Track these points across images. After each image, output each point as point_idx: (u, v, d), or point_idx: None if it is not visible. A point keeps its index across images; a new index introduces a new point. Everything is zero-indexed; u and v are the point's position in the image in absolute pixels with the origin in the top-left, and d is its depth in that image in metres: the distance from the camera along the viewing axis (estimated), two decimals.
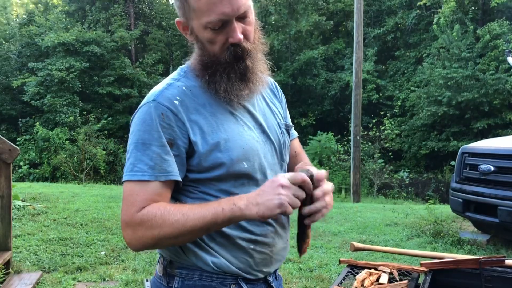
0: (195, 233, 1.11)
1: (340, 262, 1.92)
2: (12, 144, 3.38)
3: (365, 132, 15.09)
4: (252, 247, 1.20)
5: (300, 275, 4.35)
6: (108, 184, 14.29)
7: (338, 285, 1.60)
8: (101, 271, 4.36)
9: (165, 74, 22.08)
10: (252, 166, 1.20)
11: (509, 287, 1.70)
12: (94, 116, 18.19)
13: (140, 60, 22.56)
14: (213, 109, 1.20)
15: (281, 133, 1.33)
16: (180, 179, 1.16)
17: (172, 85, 1.20)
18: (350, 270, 1.81)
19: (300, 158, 1.47)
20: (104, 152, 16.93)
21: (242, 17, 1.15)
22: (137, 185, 1.12)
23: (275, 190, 1.05)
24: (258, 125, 1.26)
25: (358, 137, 11.26)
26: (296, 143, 1.49)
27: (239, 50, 1.17)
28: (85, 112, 18.76)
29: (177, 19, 1.23)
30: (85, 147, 16.45)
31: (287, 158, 1.36)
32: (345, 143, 15.95)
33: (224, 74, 1.18)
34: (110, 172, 17.54)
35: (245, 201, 1.08)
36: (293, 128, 1.45)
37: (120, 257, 4.93)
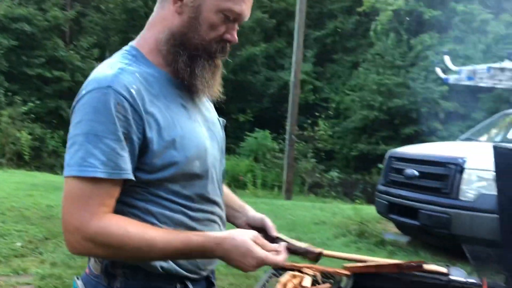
0: (154, 259, 1.09)
1: None
2: None
3: (300, 132, 15.36)
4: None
5: (227, 272, 4.32)
6: (31, 171, 13.51)
7: None
8: (15, 264, 4.09)
9: (101, 59, 21.16)
10: (203, 164, 1.16)
11: None
12: (21, 98, 17.10)
13: (75, 43, 21.49)
14: (168, 101, 1.11)
15: (221, 128, 1.31)
16: (134, 178, 1.07)
17: (125, 70, 1.08)
18: (275, 272, 1.79)
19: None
20: (29, 136, 15.97)
21: (239, 23, 1.17)
22: (88, 184, 1.01)
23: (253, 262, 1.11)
24: (205, 121, 1.22)
25: (293, 136, 11.44)
26: None
27: (227, 48, 1.18)
28: (10, 93, 17.59)
29: None
30: (8, 130, 15.43)
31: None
32: (281, 141, 16.14)
33: (206, 62, 1.14)
34: (35, 158, 16.61)
35: (221, 248, 1.08)
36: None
37: (38, 249, 4.66)
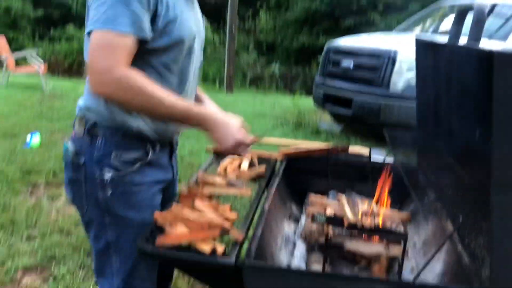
0: (159, 114, 1.26)
1: (207, 150, 2.04)
2: None
3: (241, 24, 15.02)
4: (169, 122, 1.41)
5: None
6: None
7: (204, 171, 1.72)
8: None
9: None
10: (190, 48, 1.37)
11: (351, 170, 1.99)
12: None
13: None
14: None
15: (204, 30, 1.53)
16: (149, 39, 1.26)
17: None
18: (216, 158, 1.94)
19: None
20: None
21: None
22: (116, 37, 1.18)
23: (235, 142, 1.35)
24: (197, 19, 1.44)
25: (234, 28, 11.21)
26: None
27: None
28: None
29: None
30: None
31: None
32: (221, 33, 15.78)
33: None
34: None
35: (213, 123, 1.32)
36: None
37: None
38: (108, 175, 1.32)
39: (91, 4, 1.23)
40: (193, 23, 1.38)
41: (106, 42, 1.19)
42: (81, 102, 1.38)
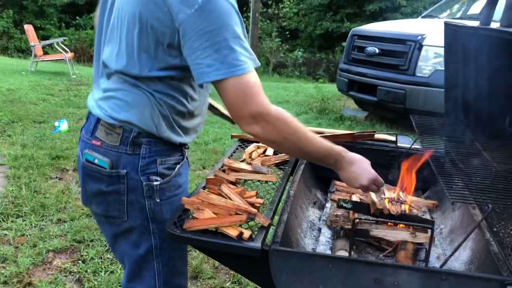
0: (302, 153, 1.29)
1: (232, 137, 2.06)
2: None
3: (265, 10, 14.91)
4: (199, 128, 1.45)
5: (196, 148, 4.55)
6: None
7: (229, 157, 1.73)
8: None
9: None
10: None
11: (376, 156, 1.97)
12: None
13: None
14: None
15: None
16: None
17: None
18: (241, 144, 1.95)
19: None
20: None
21: None
22: (249, 78, 1.15)
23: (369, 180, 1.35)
24: None
25: (257, 14, 11.15)
26: None
27: None
28: None
29: None
30: None
31: None
32: (244, 20, 15.69)
33: None
34: None
35: (348, 161, 1.32)
36: None
37: (6, 132, 4.71)
38: (156, 182, 1.30)
39: (186, 35, 1.14)
40: None
41: (243, 86, 1.15)
42: (115, 114, 1.28)
